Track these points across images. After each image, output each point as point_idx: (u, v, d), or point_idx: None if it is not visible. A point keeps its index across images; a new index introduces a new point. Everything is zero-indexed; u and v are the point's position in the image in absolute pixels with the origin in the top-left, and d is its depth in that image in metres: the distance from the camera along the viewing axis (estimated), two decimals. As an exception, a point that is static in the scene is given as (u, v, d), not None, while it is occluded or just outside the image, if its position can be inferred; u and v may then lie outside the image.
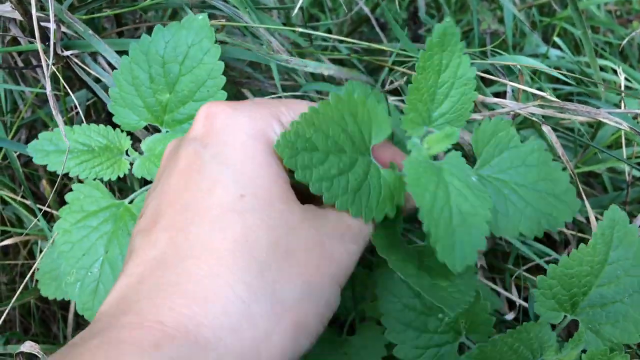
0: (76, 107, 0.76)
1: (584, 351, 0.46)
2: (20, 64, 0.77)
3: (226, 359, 0.32)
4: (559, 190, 0.50)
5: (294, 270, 0.36)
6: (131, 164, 0.58)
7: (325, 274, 0.38)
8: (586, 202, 0.63)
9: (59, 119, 0.54)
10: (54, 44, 0.60)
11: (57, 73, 0.65)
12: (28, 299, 0.80)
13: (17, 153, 0.73)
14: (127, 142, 0.58)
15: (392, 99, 0.82)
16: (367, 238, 0.43)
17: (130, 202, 0.56)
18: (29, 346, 0.61)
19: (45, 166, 0.56)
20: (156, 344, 0.31)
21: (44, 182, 0.78)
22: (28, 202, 0.75)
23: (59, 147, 0.56)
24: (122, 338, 0.31)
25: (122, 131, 0.58)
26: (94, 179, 0.56)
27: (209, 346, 0.32)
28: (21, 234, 0.76)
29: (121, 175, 0.57)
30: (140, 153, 0.58)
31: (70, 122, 0.76)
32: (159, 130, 0.58)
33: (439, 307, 0.48)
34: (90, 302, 0.54)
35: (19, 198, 0.76)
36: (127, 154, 0.58)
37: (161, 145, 0.56)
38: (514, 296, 0.74)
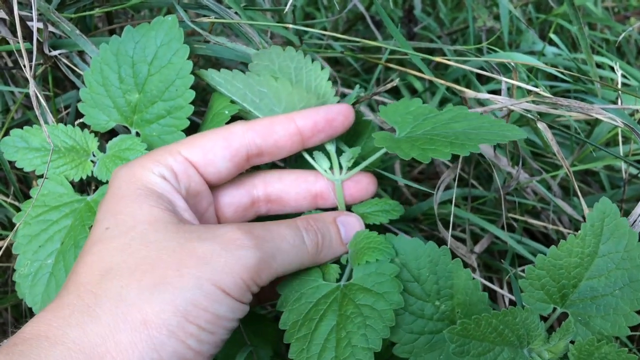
0: (67, 108, 0.75)
1: (572, 342, 0.46)
2: (11, 64, 0.76)
3: (73, 348, 0.38)
4: (495, 129, 0.51)
5: (146, 275, 0.41)
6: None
7: (187, 275, 0.41)
8: (582, 201, 0.62)
9: (41, 118, 0.54)
10: (40, 42, 0.59)
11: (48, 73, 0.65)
12: (20, 301, 0.80)
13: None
14: (94, 144, 0.58)
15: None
16: (271, 247, 0.46)
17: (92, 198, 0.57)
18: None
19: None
20: (14, 344, 0.39)
21: (34, 183, 0.77)
22: (19, 205, 0.74)
23: (30, 144, 0.57)
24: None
25: (90, 132, 0.58)
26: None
27: (57, 340, 0.39)
28: (9, 236, 0.76)
29: (84, 177, 0.57)
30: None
31: (61, 123, 0.75)
32: (129, 131, 0.58)
33: (437, 293, 0.52)
34: (39, 295, 0.54)
35: (9, 200, 0.75)
36: (93, 155, 0.58)
37: (122, 145, 0.56)
38: (510, 294, 0.73)
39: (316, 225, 0.51)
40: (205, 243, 0.44)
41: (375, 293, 0.48)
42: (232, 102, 0.57)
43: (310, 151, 0.56)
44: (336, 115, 0.53)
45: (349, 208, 0.57)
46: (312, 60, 0.57)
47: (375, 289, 0.49)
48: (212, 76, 0.56)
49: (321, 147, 0.56)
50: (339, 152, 0.57)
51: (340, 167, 0.56)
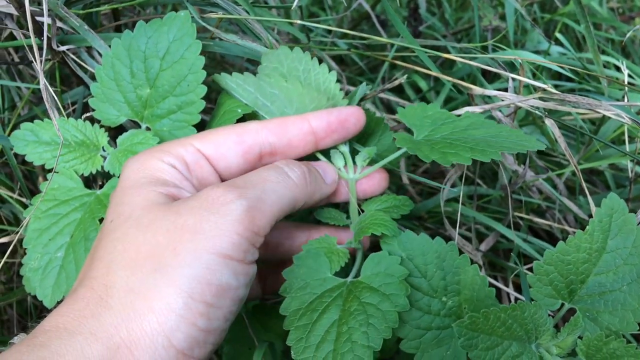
0: (73, 104, 0.75)
1: (580, 338, 0.46)
2: (18, 60, 0.76)
3: (90, 338, 0.39)
4: (513, 138, 0.52)
5: (147, 261, 0.42)
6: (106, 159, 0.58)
7: (182, 251, 0.41)
8: (589, 199, 0.62)
9: (51, 112, 0.54)
10: (49, 38, 0.60)
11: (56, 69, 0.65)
12: (25, 297, 0.80)
13: (14, 150, 0.72)
14: (104, 138, 0.58)
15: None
16: (255, 191, 0.46)
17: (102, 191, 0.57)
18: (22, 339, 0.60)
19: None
20: (34, 336, 0.40)
21: (40, 179, 0.78)
22: (25, 200, 0.74)
23: (40, 138, 0.57)
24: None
25: (100, 127, 0.58)
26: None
27: (74, 330, 0.39)
28: (17, 231, 0.76)
29: (94, 171, 0.57)
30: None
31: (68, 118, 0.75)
32: (139, 126, 0.58)
33: (444, 289, 0.52)
34: (49, 288, 0.54)
35: (15, 196, 0.75)
36: (103, 149, 0.58)
37: (134, 139, 0.56)
38: (516, 293, 0.73)
39: (297, 163, 0.51)
40: (193, 211, 0.43)
41: (382, 293, 0.48)
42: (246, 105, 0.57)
43: (323, 152, 0.56)
44: (349, 116, 0.53)
45: (360, 204, 0.57)
46: (320, 63, 0.57)
47: (382, 289, 0.49)
48: (226, 81, 0.57)
49: (334, 148, 0.56)
50: (354, 152, 0.57)
51: (355, 165, 0.56)
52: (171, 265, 0.41)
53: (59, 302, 0.54)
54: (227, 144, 0.50)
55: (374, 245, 0.56)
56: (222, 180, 0.52)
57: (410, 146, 0.50)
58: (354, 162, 0.56)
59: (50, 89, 0.59)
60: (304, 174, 0.51)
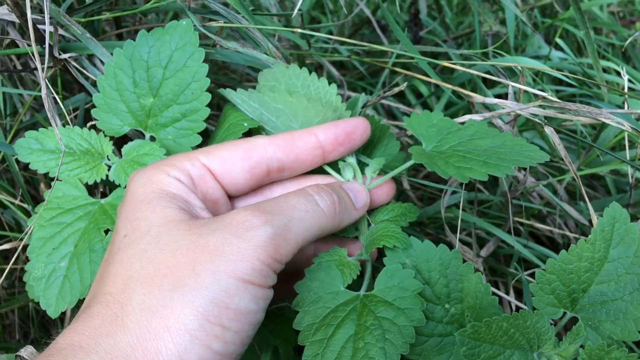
0: (75, 111, 0.75)
1: (582, 347, 0.46)
2: (19, 67, 0.77)
3: (106, 358, 0.39)
4: (518, 148, 0.52)
5: (164, 280, 0.41)
6: (110, 168, 0.58)
7: (202, 272, 0.41)
8: (589, 205, 0.62)
9: (53, 121, 0.54)
10: (51, 46, 0.60)
11: (58, 76, 0.65)
12: (27, 303, 0.80)
13: (16, 157, 0.72)
14: (108, 147, 0.58)
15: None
16: (283, 219, 0.45)
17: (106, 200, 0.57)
18: (29, 351, 0.60)
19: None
20: (49, 355, 0.40)
21: (42, 186, 0.78)
22: (27, 207, 0.75)
23: (44, 146, 0.57)
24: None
25: (105, 136, 0.58)
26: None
27: (90, 349, 0.39)
28: (20, 238, 0.76)
29: (98, 180, 0.57)
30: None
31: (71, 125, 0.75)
32: (143, 135, 0.58)
33: (447, 296, 0.52)
34: (53, 297, 0.54)
35: (17, 202, 0.75)
36: (108, 158, 0.58)
37: (140, 150, 0.56)
38: (516, 301, 0.73)
39: (328, 190, 0.50)
40: (216, 233, 0.43)
41: (397, 307, 0.48)
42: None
43: (330, 165, 0.56)
44: (355, 128, 0.53)
45: (369, 214, 0.57)
46: (319, 71, 0.57)
47: (397, 303, 0.48)
48: (231, 96, 0.57)
49: (341, 160, 0.56)
50: (360, 164, 0.57)
51: (364, 176, 0.56)
52: (189, 286, 0.40)
53: (63, 313, 0.54)
54: (233, 159, 0.50)
55: (379, 252, 0.56)
56: (228, 195, 0.52)
57: (427, 161, 0.50)
58: (363, 173, 0.56)
59: (53, 97, 0.59)
60: (334, 203, 0.50)
